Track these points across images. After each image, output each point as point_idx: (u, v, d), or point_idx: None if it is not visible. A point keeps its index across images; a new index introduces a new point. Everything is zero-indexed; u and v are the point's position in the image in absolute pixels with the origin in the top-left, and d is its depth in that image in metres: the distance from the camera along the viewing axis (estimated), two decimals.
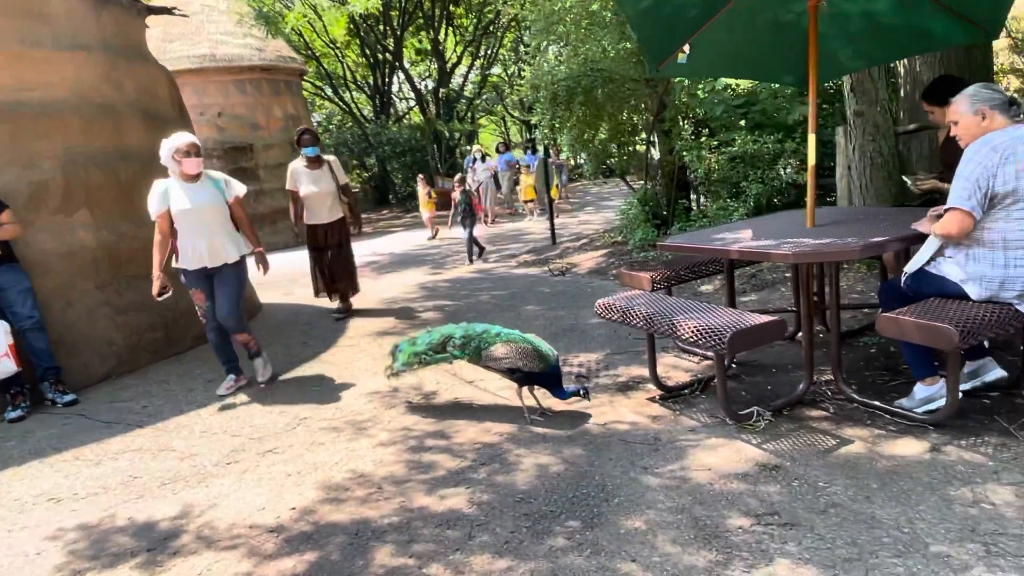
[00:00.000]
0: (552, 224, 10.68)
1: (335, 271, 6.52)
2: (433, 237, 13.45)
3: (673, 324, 3.21)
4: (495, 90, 31.39)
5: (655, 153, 9.40)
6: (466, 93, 27.71)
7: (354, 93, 28.26)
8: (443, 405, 4.04)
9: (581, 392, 3.64)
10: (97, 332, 5.38)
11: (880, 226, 3.46)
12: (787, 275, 6.13)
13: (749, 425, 3.26)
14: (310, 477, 3.28)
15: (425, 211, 14.10)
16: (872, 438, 3.00)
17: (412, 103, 28.94)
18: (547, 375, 3.64)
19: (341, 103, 26.53)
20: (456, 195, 11.23)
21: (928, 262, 2.99)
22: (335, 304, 6.78)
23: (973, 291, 2.83)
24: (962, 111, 2.83)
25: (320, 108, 30.75)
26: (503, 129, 39.99)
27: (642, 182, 9.46)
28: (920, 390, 3.02)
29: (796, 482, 2.72)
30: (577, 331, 5.35)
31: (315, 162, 6.47)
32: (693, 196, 9.53)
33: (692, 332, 3.07)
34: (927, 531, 2.30)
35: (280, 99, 15.47)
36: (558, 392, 3.67)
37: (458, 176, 12.99)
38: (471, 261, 9.54)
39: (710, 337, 2.98)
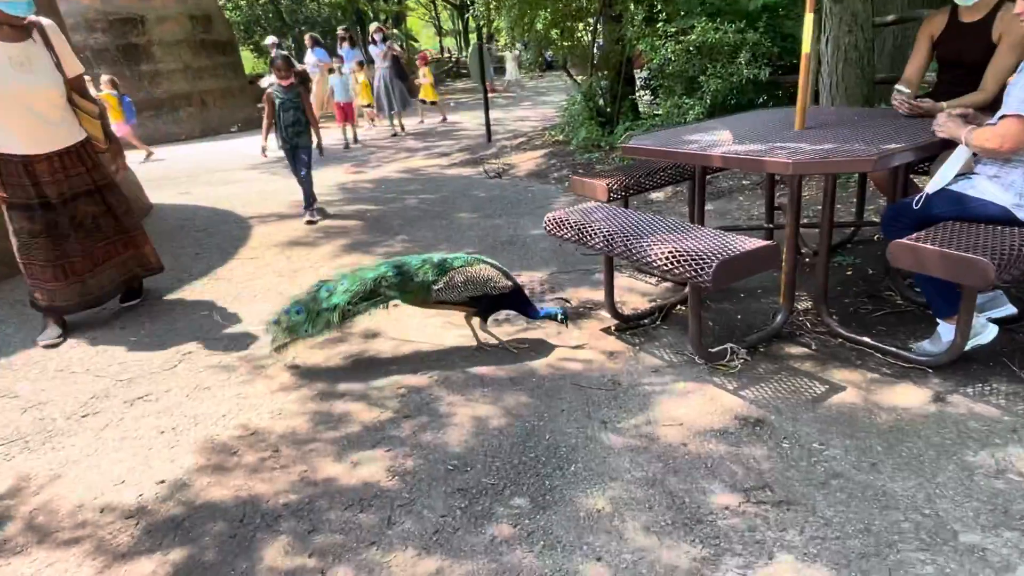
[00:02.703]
0: (487, 119, 9.77)
1: (85, 251, 3.63)
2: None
3: (641, 248, 2.61)
4: None
5: (600, 42, 8.51)
6: None
7: None
8: (359, 336, 3.39)
9: (560, 317, 3.09)
10: None
11: (882, 131, 2.90)
12: (745, 183, 5.62)
13: (722, 366, 2.78)
14: (188, 435, 2.62)
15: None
16: (866, 384, 2.57)
17: None
18: (517, 293, 3.07)
19: None
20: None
21: (953, 180, 2.46)
22: (59, 305, 3.67)
23: None
24: None
25: None
26: (433, 13, 37.24)
27: (584, 76, 8.62)
28: (946, 330, 2.56)
29: (786, 442, 2.26)
30: (517, 244, 4.72)
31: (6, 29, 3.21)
32: (640, 92, 8.81)
33: (667, 259, 2.48)
34: (952, 513, 1.88)
35: None
36: (532, 312, 3.12)
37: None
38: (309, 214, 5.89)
39: (690, 266, 2.40)
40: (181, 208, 6.72)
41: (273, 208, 6.40)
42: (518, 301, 3.10)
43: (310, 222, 5.73)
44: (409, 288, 2.97)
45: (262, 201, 6.75)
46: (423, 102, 12.87)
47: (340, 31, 12.82)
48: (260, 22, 21.58)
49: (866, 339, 2.82)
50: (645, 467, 2.20)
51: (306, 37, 13.06)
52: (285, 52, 5.70)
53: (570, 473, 2.20)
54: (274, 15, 21.39)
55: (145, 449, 2.54)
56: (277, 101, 5.53)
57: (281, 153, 5.84)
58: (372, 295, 2.94)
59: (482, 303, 3.04)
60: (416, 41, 29.35)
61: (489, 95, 10.20)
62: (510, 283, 3.05)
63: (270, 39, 14.27)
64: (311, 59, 12.31)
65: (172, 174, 8.78)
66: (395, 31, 24.46)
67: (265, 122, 5.67)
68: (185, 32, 13.53)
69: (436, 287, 2.94)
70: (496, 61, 20.88)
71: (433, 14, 37.71)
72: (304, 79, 7.98)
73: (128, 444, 2.58)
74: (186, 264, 4.80)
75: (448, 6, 34.37)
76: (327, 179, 7.78)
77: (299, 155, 5.72)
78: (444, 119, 12.95)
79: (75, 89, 3.52)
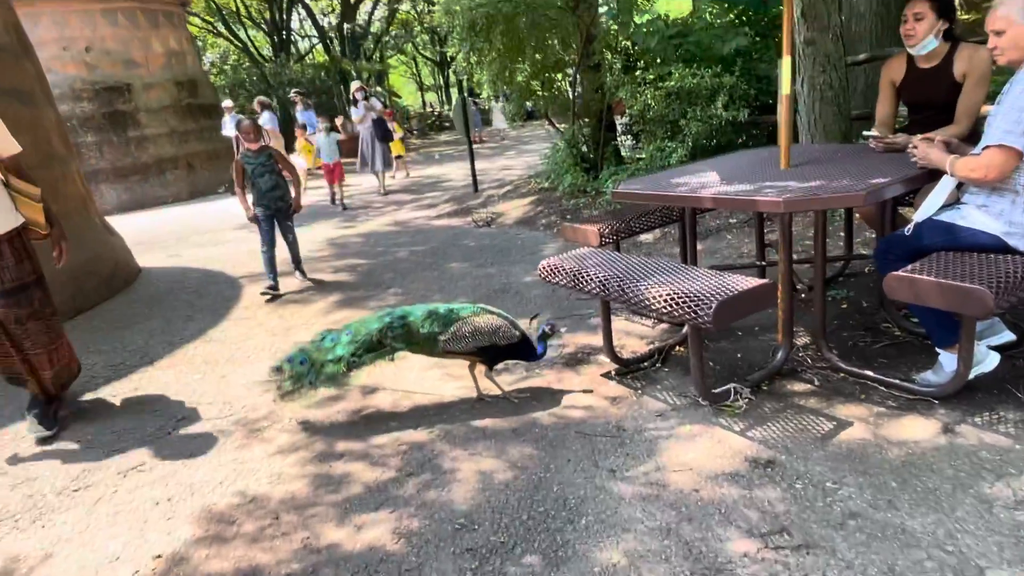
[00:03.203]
0: (473, 170, 9.89)
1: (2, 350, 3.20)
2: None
3: (638, 291, 2.61)
4: (404, 27, 29.56)
5: (579, 91, 8.70)
6: (373, 30, 25.88)
7: (250, 31, 25.86)
8: (357, 391, 3.34)
9: (549, 331, 3.08)
10: None
11: (867, 165, 2.95)
12: (732, 220, 5.69)
13: (727, 406, 2.75)
14: (185, 505, 2.53)
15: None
16: (873, 418, 2.55)
17: (315, 41, 26.83)
18: (525, 342, 3.05)
19: (236, 40, 24.20)
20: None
21: (940, 210, 2.49)
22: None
23: (1022, 244, 2.35)
24: (1016, 18, 2.26)
25: (213, 46, 28.07)
26: (414, 70, 38.12)
27: (566, 124, 8.79)
28: (948, 360, 2.55)
29: (799, 483, 2.22)
30: (511, 292, 4.72)
31: None
32: (621, 137, 8.97)
33: (665, 301, 2.48)
34: (976, 549, 1.84)
35: (160, 32, 13.68)
36: (532, 356, 3.11)
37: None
38: (300, 276, 5.68)
39: (689, 307, 2.39)
40: (171, 271, 6.68)
41: (263, 267, 6.37)
42: (526, 350, 3.08)
43: (304, 285, 5.52)
44: (415, 339, 2.93)
45: (252, 260, 6.71)
46: (397, 157, 12.98)
47: (292, 94, 12.72)
48: (245, 85, 21.93)
49: (868, 372, 2.80)
50: (658, 516, 2.14)
51: (255, 101, 12.26)
52: (249, 117, 5.41)
53: (581, 526, 2.14)
54: (259, 78, 21.77)
55: (140, 522, 2.45)
56: (248, 168, 5.14)
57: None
58: (377, 346, 2.91)
59: (490, 353, 3.01)
60: (399, 97, 29.92)
61: (474, 145, 10.36)
62: (518, 332, 3.03)
63: (226, 102, 13.43)
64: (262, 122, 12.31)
65: (161, 237, 8.78)
66: (378, 88, 24.95)
67: (237, 191, 5.30)
68: (171, 98, 13.72)
69: (443, 338, 2.92)
70: (484, 113, 21.29)
71: (414, 70, 38.60)
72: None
73: (122, 518, 2.49)
74: (178, 327, 4.74)
75: (428, 62, 35.23)
76: (317, 235, 7.80)
77: (281, 220, 5.34)
78: (407, 174, 13.06)
79: (11, 170, 3.12)
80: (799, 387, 2.86)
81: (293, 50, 25.55)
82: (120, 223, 7.85)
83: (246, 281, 5.88)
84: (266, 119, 11.69)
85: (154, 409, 3.43)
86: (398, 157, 12.86)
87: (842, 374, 2.90)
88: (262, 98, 12.76)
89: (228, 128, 12.40)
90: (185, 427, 3.19)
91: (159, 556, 2.24)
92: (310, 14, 23.85)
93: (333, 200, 10.14)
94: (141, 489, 2.68)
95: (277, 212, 5.29)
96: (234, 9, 24.62)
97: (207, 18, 24.61)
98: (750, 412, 2.70)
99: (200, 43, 25.73)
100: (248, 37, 25.13)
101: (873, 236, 4.47)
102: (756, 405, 2.75)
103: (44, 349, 3.21)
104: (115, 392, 3.71)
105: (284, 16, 24.37)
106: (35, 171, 5.42)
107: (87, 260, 5.68)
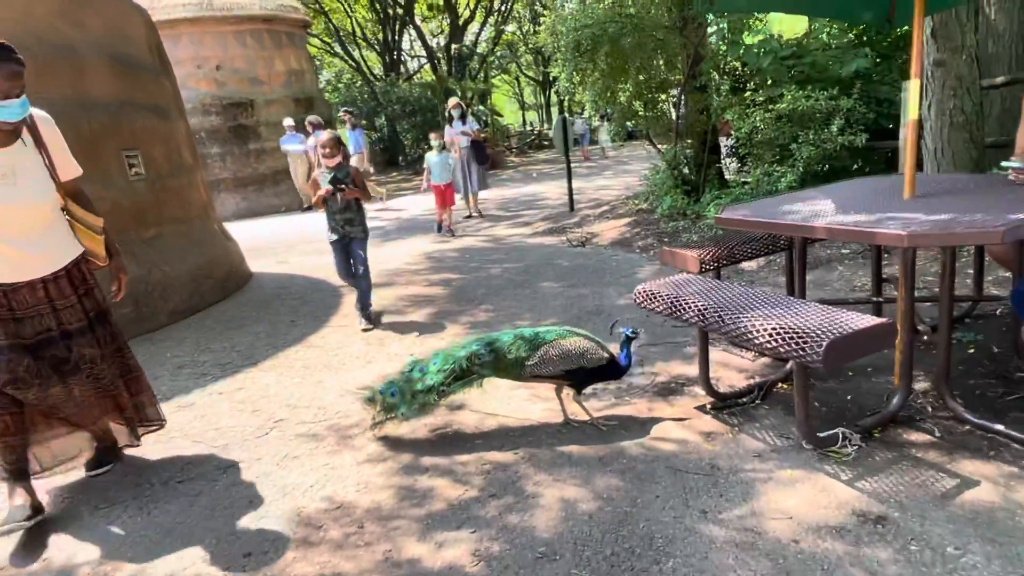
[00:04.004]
0: (570, 189, 9.87)
1: (75, 402, 2.74)
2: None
3: (740, 323, 2.47)
4: (509, 48, 30.14)
5: (683, 112, 8.52)
6: (479, 50, 26.55)
7: (364, 51, 27.19)
8: (444, 408, 3.35)
9: (633, 335, 3.02)
10: None
11: (1005, 199, 2.68)
12: (845, 251, 5.35)
13: (834, 452, 2.55)
14: (276, 506, 2.62)
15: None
16: (1004, 479, 2.28)
17: (423, 61, 27.85)
18: (612, 363, 2.99)
19: (350, 60, 25.49)
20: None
21: None
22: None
23: None
24: None
25: (329, 66, 29.70)
26: (517, 89, 38.77)
27: (668, 145, 8.62)
28: None
29: (914, 544, 2.02)
30: (603, 314, 4.63)
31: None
32: (725, 160, 8.70)
33: (770, 335, 2.34)
34: None
35: (282, 52, 14.58)
36: (621, 373, 3.06)
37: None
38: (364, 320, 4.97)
39: (797, 344, 2.25)
40: (279, 277, 7.05)
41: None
42: (614, 369, 3.01)
43: (366, 329, 4.80)
44: (502, 365, 2.93)
45: None
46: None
47: (341, 112, 12.27)
48: (356, 102, 23.04)
49: (999, 427, 2.53)
50: (752, 566, 2.00)
51: (341, 112, 12.08)
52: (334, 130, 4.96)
53: (668, 569, 2.03)
54: (369, 95, 22.81)
55: (234, 519, 2.55)
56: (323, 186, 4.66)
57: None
58: (465, 374, 2.93)
59: (578, 376, 2.96)
60: (500, 116, 30.52)
61: (578, 162, 10.24)
62: (606, 355, 2.97)
63: (287, 120, 13.04)
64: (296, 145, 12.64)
65: (272, 244, 9.28)
66: (480, 106, 25.51)
67: (314, 202, 4.74)
68: (289, 113, 14.56)
69: (530, 362, 2.90)
70: (593, 132, 21.19)
71: (517, 90, 39.25)
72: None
73: (219, 513, 2.60)
74: (282, 331, 4.97)
75: (531, 82, 35.73)
76: (414, 248, 8.01)
77: (353, 248, 4.85)
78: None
79: (71, 195, 2.74)
80: (917, 437, 2.62)
81: (403, 69, 26.61)
82: (236, 229, 8.37)
83: (346, 290, 6.09)
84: (353, 140, 11.76)
85: (255, 409, 3.59)
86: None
87: (967, 426, 2.63)
88: (347, 110, 12.58)
89: (291, 143, 12.77)
90: (282, 429, 3.31)
91: (248, 554, 2.32)
92: (420, 35, 24.78)
93: (440, 228, 9.02)
94: (238, 487, 2.79)
95: (344, 240, 4.82)
96: (350, 30, 25.96)
97: (325, 39, 26.08)
98: (860, 461, 2.49)
99: (318, 62, 27.32)
100: (362, 57, 26.40)
101: (1004, 274, 4.08)
102: (867, 453, 2.53)
103: (123, 379, 2.91)
104: (222, 390, 3.92)
105: (396, 37, 25.46)
106: (166, 179, 5.91)
107: (205, 263, 6.09)
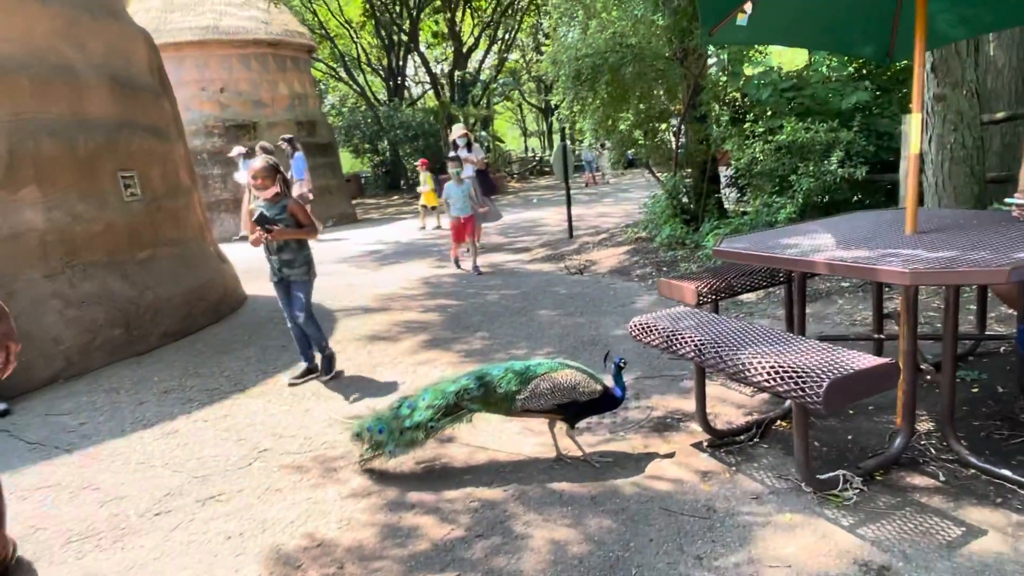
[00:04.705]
0: (569, 216, 9.85)
1: None
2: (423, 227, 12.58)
3: (738, 360, 2.40)
4: (512, 75, 30.46)
5: (682, 141, 8.53)
6: (482, 77, 26.81)
7: (368, 76, 27.48)
8: (433, 441, 3.26)
9: (622, 363, 2.97)
10: (43, 328, 4.65)
11: (1008, 236, 2.62)
12: (845, 284, 5.29)
13: (834, 496, 2.46)
14: (255, 542, 2.52)
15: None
16: (1012, 528, 2.19)
17: (427, 87, 28.11)
18: (607, 396, 2.91)
19: (355, 85, 25.74)
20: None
21: None
22: None
23: None
24: None
25: (334, 90, 29.99)
26: (519, 116, 39.10)
27: (667, 173, 8.62)
28: None
29: None
30: (599, 345, 4.55)
31: None
32: (725, 190, 8.68)
33: (768, 374, 2.26)
34: None
35: (286, 76, 14.69)
36: (615, 405, 2.99)
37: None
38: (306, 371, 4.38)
39: (796, 383, 2.17)
40: (273, 300, 6.91)
41: (359, 301, 6.52)
42: (608, 401, 2.94)
43: (328, 380, 4.24)
44: (492, 399, 2.85)
45: (349, 294, 6.92)
46: (424, 207, 12.68)
47: (280, 140, 10.99)
48: (359, 126, 23.21)
49: (1006, 472, 2.44)
50: None
51: (280, 140, 11.05)
52: (269, 157, 4.18)
53: None
54: (372, 120, 22.98)
55: (211, 556, 2.45)
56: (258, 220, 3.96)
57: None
58: (454, 409, 2.85)
59: (571, 409, 2.87)
60: (502, 142, 30.73)
61: (587, 187, 10.15)
62: (599, 387, 2.89)
63: (237, 149, 11.76)
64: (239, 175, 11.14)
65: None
66: (483, 132, 25.69)
67: (252, 242, 4.11)
68: (292, 136, 14.64)
69: (520, 396, 2.81)
70: (598, 158, 21.27)
71: (519, 116, 39.59)
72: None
73: (194, 549, 2.50)
74: (272, 356, 4.89)
75: (533, 109, 36.05)
76: (411, 272, 7.95)
77: (292, 292, 4.16)
78: (439, 226, 12.44)
79: None
80: (920, 481, 2.53)
81: (406, 95, 26.85)
82: (233, 251, 8.32)
83: (341, 314, 6.03)
84: (295, 166, 10.58)
85: (240, 438, 3.49)
86: (432, 208, 12.63)
87: (973, 470, 2.54)
88: (284, 137, 10.99)
89: (242, 175, 10.90)
90: (266, 459, 3.21)
91: None
92: (424, 62, 25.03)
93: (458, 263, 8.07)
94: (216, 521, 2.69)
95: (284, 284, 4.19)
96: (355, 56, 26.26)
97: (331, 63, 26.36)
98: (861, 505, 2.40)
99: (323, 86, 27.59)
100: (366, 82, 26.66)
101: (1008, 311, 4.01)
102: (869, 498, 2.44)
103: None
104: (207, 417, 3.82)
105: (400, 63, 25.74)
106: (162, 201, 5.87)
107: (199, 286, 6.02)
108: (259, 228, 3.98)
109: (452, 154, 8.39)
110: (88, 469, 3.25)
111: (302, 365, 4.35)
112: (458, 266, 8.04)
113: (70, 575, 2.40)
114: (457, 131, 9.22)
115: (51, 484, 3.11)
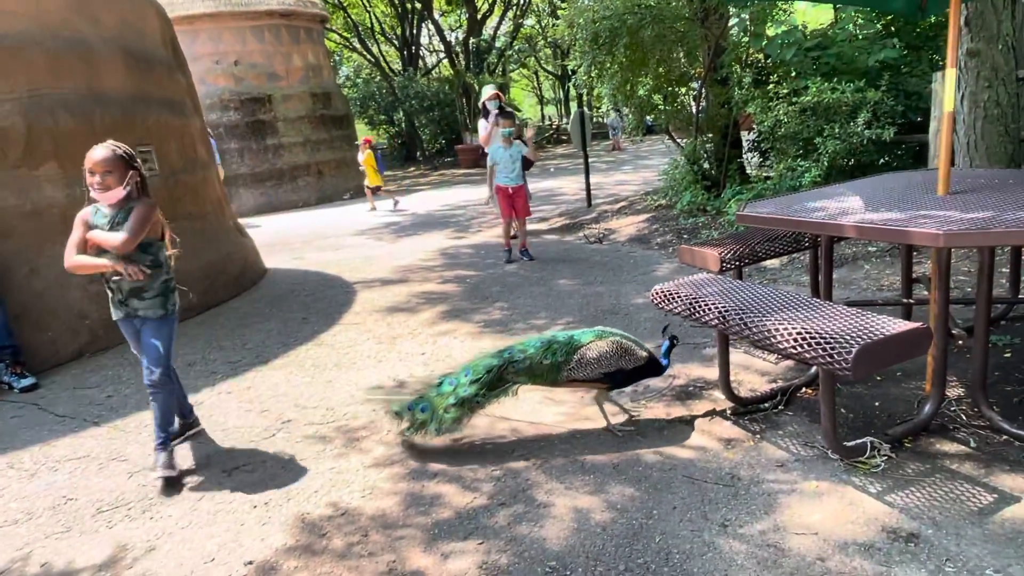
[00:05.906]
0: (588, 184, 9.73)
1: None
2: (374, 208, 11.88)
3: (762, 326, 2.35)
4: (527, 41, 29.92)
5: (703, 105, 8.33)
6: (497, 44, 26.37)
7: (382, 46, 27.17)
8: None
9: (674, 341, 2.99)
10: (68, 303, 4.70)
11: None
12: (871, 248, 5.18)
13: (862, 463, 2.42)
14: (280, 511, 2.55)
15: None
16: None
17: (441, 55, 27.75)
18: (652, 362, 2.91)
19: (369, 55, 25.48)
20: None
21: None
22: None
23: None
24: None
25: (348, 61, 29.72)
26: (536, 83, 38.54)
27: (687, 139, 8.45)
28: None
29: (950, 566, 1.89)
30: (619, 314, 4.51)
31: None
32: (747, 154, 8.50)
33: (795, 340, 2.21)
34: None
35: (300, 47, 14.58)
36: (660, 372, 2.99)
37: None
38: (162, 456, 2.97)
39: (823, 350, 2.12)
40: (293, 272, 7.01)
41: (377, 273, 6.53)
42: (652, 367, 2.93)
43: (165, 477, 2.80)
44: (538, 371, 2.82)
45: (367, 266, 6.93)
46: (369, 188, 11.98)
47: None
48: (375, 97, 23.02)
49: None
50: None
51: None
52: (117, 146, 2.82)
53: None
54: (387, 90, 22.78)
55: (237, 524, 2.48)
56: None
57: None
58: (499, 383, 2.82)
59: (616, 378, 2.85)
60: (519, 110, 30.34)
61: (613, 152, 9.95)
62: (644, 353, 2.88)
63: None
64: None
65: (288, 239, 9.27)
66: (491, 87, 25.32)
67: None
68: (307, 109, 14.57)
69: (568, 367, 2.80)
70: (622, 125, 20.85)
71: (535, 84, 39.02)
72: None
73: (221, 517, 2.54)
74: (293, 328, 4.92)
75: (549, 76, 35.48)
76: (430, 244, 7.93)
77: (143, 337, 2.86)
78: (396, 203, 11.98)
79: None
80: (950, 448, 2.48)
81: (421, 64, 26.55)
82: (253, 225, 8.35)
83: (360, 287, 6.03)
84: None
85: (264, 409, 3.53)
86: (376, 188, 11.98)
87: (1005, 436, 2.48)
88: (492, 88, 7.76)
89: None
90: (289, 430, 3.24)
91: (250, 562, 2.25)
92: (438, 30, 24.67)
93: (511, 256, 6.59)
94: (242, 490, 2.73)
95: (131, 317, 2.87)
96: (369, 26, 25.95)
97: (344, 34, 26.09)
98: (889, 472, 2.36)
99: (337, 58, 27.35)
100: (380, 52, 26.37)
101: None
102: (897, 465, 2.40)
103: None
104: (231, 389, 3.86)
105: (414, 32, 25.39)
106: (179, 175, 5.88)
107: (219, 259, 6.05)
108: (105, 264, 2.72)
109: (494, 114, 7.08)
110: (116, 441, 3.30)
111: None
112: (509, 259, 6.53)
113: (102, 544, 2.44)
114: (487, 92, 7.66)
115: (81, 455, 3.17)
